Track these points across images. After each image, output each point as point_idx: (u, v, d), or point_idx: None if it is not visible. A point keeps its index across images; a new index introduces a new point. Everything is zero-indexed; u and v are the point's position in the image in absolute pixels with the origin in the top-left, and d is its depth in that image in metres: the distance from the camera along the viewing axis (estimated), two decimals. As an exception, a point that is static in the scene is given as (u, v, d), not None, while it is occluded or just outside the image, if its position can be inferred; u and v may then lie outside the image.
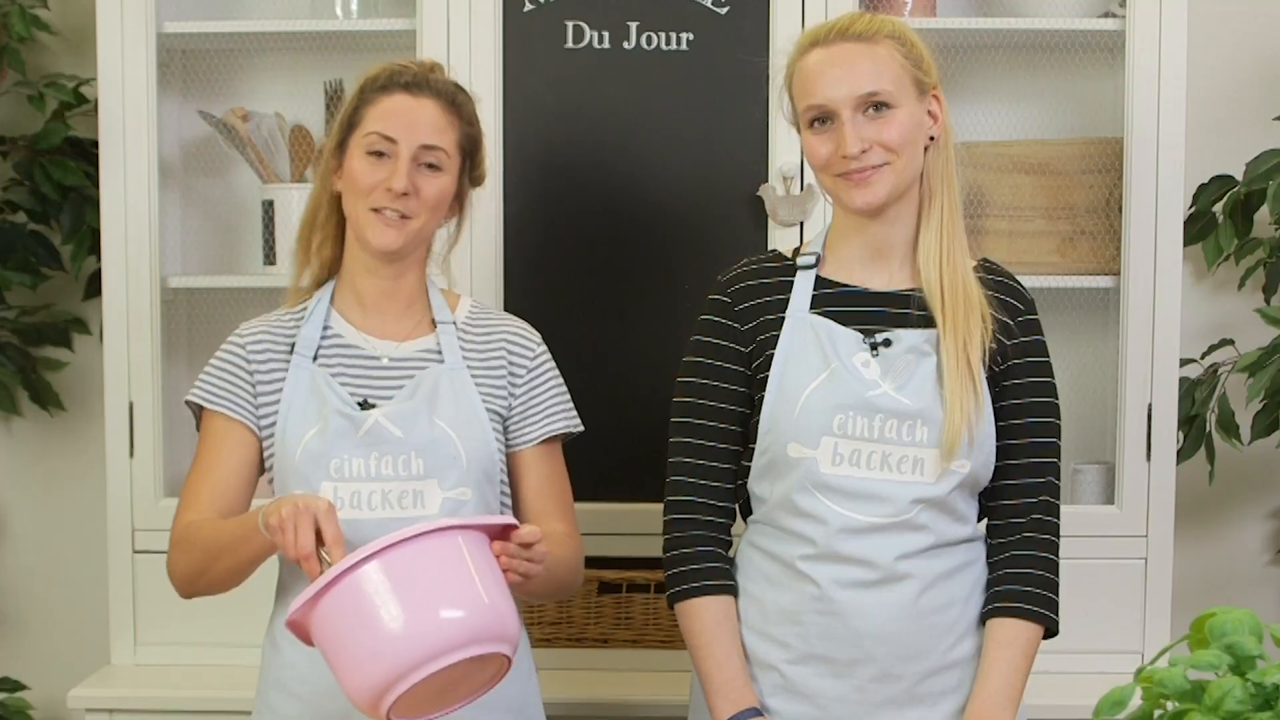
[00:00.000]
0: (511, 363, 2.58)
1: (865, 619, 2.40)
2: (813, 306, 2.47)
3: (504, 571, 2.19)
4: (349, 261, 2.57)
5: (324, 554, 2.17)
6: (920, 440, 2.40)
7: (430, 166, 2.49)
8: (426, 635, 2.05)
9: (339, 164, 2.53)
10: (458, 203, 2.59)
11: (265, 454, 2.53)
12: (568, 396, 2.64)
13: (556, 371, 2.63)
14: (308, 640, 2.15)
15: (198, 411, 2.56)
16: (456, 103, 2.54)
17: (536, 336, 2.63)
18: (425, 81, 2.52)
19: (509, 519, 2.23)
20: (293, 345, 2.54)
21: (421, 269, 2.59)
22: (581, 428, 2.64)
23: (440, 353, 2.55)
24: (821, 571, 2.40)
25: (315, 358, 2.53)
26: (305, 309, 2.58)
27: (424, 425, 2.48)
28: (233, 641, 3.27)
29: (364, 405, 2.49)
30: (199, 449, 2.54)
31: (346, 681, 2.08)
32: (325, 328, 2.56)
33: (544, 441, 2.59)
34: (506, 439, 2.58)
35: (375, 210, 2.47)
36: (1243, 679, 1.60)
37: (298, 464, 2.46)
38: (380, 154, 2.47)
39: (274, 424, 2.51)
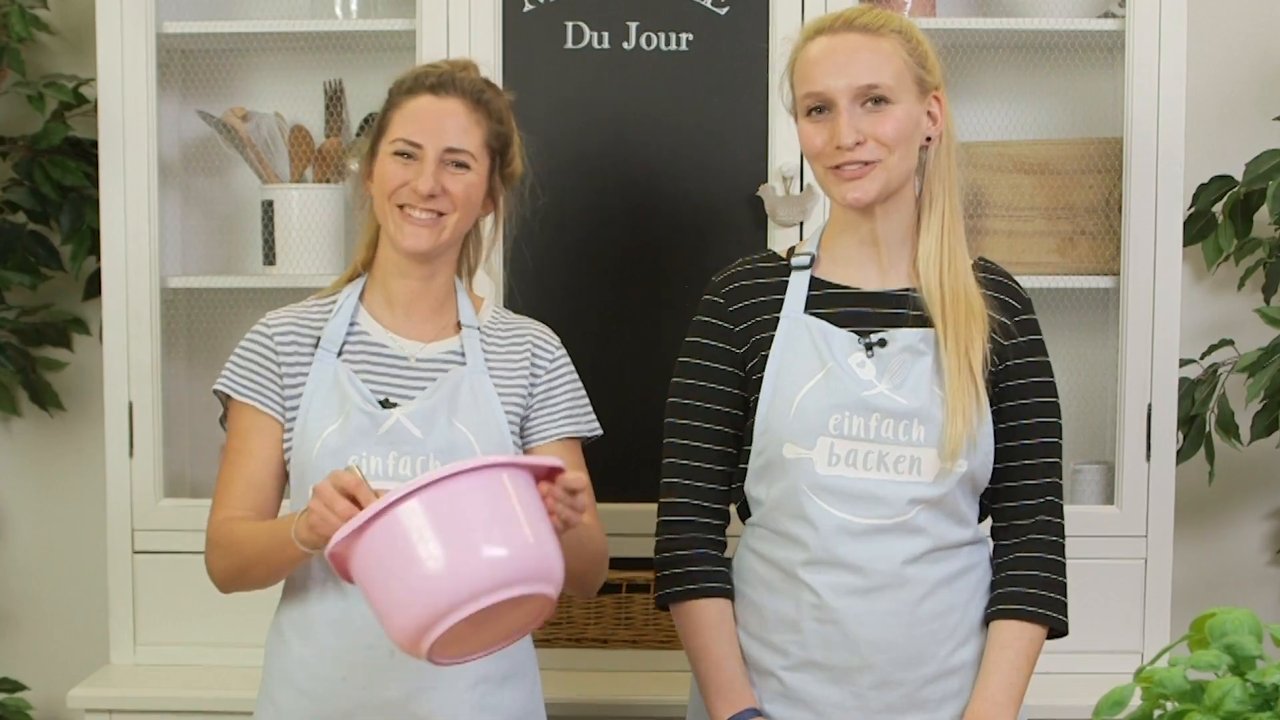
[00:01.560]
0: (534, 362, 2.59)
1: (864, 626, 2.39)
2: (807, 307, 2.47)
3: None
4: (381, 261, 2.57)
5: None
6: (917, 439, 2.40)
7: (458, 165, 2.49)
8: (469, 574, 2.03)
9: (370, 170, 2.55)
10: (491, 200, 2.59)
11: (285, 445, 2.53)
12: (587, 402, 2.64)
13: (576, 376, 2.63)
14: (346, 576, 2.13)
15: (224, 400, 2.56)
16: (483, 101, 2.54)
17: (557, 340, 2.64)
18: (451, 81, 2.53)
19: (554, 460, 2.21)
20: (318, 339, 2.54)
21: (451, 270, 2.60)
22: (599, 432, 2.64)
23: (463, 355, 2.56)
24: (820, 579, 2.40)
25: (340, 353, 2.53)
26: (334, 302, 2.59)
27: (443, 427, 2.48)
28: (232, 642, 3.27)
29: (385, 404, 2.49)
30: (229, 442, 2.55)
31: (387, 619, 2.07)
32: (352, 324, 2.56)
33: (561, 440, 2.59)
34: (523, 440, 2.57)
35: (401, 207, 2.48)
36: (1242, 679, 1.60)
37: (315, 458, 2.46)
38: (408, 155, 2.48)
39: (295, 417, 2.51)
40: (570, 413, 2.60)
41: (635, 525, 3.10)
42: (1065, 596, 2.47)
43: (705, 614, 2.47)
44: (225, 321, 3.45)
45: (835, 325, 2.44)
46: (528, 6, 3.22)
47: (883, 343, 2.43)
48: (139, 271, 3.29)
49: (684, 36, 3.22)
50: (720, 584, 2.48)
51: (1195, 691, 1.63)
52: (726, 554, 2.52)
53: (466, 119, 2.51)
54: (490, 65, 3.16)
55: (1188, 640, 1.71)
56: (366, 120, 3.43)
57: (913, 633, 2.40)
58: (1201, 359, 3.50)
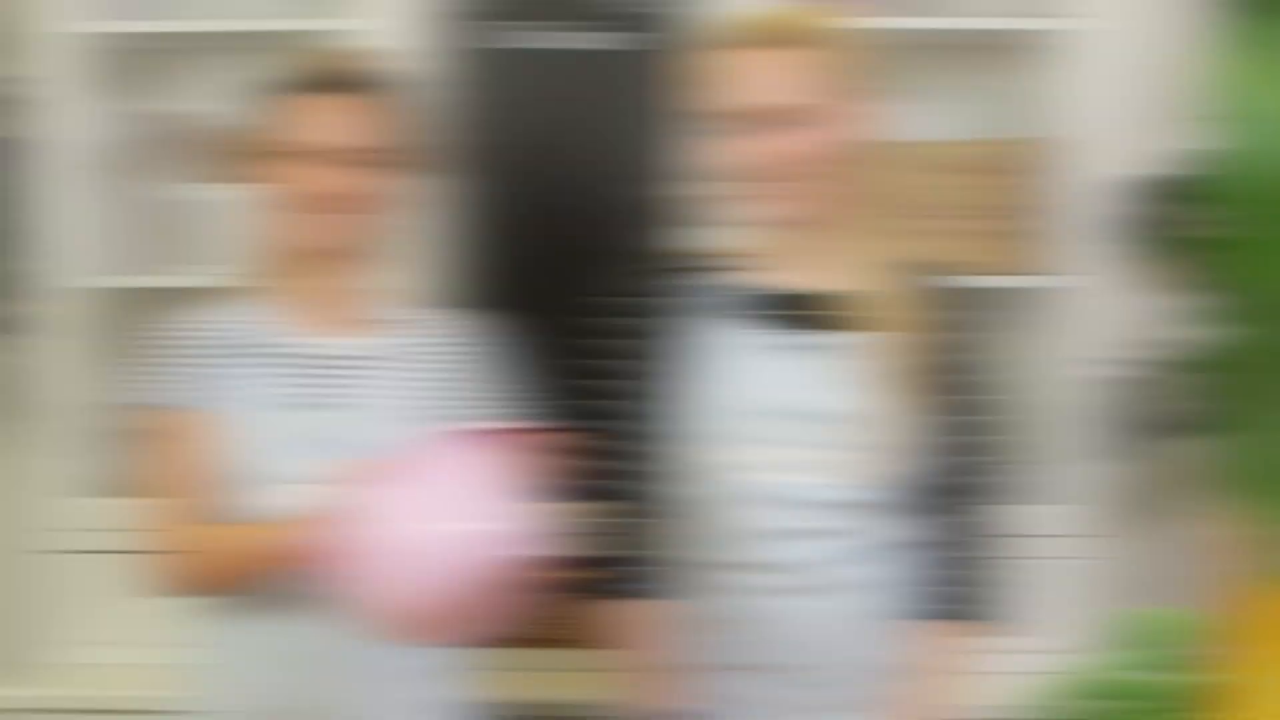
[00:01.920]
0: (452, 353, 2.58)
1: (791, 626, 2.41)
2: (731, 308, 2.47)
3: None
4: (289, 261, 2.55)
5: None
6: (844, 443, 2.40)
7: (352, 163, 2.46)
8: (449, 550, 2.13)
9: (267, 171, 2.51)
10: (393, 195, 2.55)
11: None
12: (508, 389, 2.62)
13: (493, 364, 2.62)
14: (338, 590, 2.19)
15: (155, 411, 2.51)
16: (378, 95, 2.51)
17: (471, 328, 2.63)
18: (344, 77, 2.50)
19: (497, 424, 2.29)
20: (232, 344, 2.52)
21: (358, 267, 2.57)
22: (525, 419, 2.64)
23: (381, 352, 2.55)
24: (751, 580, 2.41)
25: (256, 358, 2.51)
26: (245, 306, 2.56)
27: (370, 426, 2.47)
28: (155, 641, 3.23)
29: (308, 406, 2.48)
30: (169, 449, 2.49)
31: (387, 616, 2.18)
32: (265, 327, 2.54)
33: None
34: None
35: (297, 207, 2.46)
36: (1173, 677, 1.63)
37: (242, 465, 2.45)
38: (300, 155, 2.45)
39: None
40: (492, 398, 2.59)
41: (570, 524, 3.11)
42: (998, 595, 2.49)
43: (637, 614, 2.47)
44: (156, 321, 3.43)
45: (762, 327, 2.45)
46: (458, 4, 3.22)
47: (810, 345, 2.43)
48: (70, 271, 3.29)
49: (616, 37, 3.23)
50: (651, 584, 2.48)
51: (1128, 690, 1.65)
52: (658, 554, 2.52)
53: (361, 116, 2.48)
54: (421, 65, 3.16)
55: (1121, 639, 1.73)
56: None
57: (844, 633, 2.42)
58: (1134, 358, 3.52)
